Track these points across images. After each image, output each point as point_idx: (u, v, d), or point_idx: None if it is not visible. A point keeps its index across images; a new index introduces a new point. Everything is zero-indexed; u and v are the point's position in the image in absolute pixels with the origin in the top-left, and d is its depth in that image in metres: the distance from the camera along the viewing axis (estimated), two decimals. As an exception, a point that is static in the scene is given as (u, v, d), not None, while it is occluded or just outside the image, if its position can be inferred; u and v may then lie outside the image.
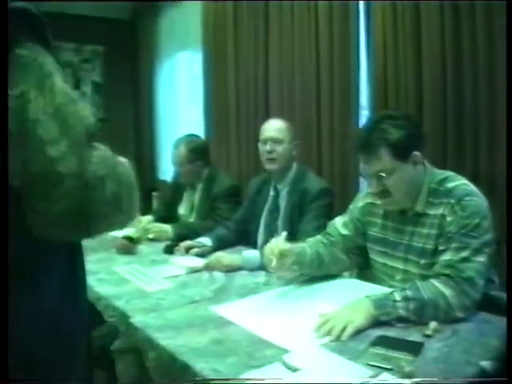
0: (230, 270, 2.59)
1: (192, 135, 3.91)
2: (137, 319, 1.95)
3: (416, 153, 2.05)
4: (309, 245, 2.32)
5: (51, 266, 1.09)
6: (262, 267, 2.42)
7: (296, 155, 3.09)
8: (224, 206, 3.50)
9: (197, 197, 3.73)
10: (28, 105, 0.97)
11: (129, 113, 6.89)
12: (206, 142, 4.20)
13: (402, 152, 2.02)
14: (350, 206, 2.43)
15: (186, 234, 3.26)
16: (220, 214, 3.45)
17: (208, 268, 2.62)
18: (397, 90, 3.20)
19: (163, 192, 5.53)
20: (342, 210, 2.54)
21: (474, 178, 2.73)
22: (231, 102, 4.79)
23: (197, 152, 3.64)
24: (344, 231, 2.36)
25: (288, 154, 3.02)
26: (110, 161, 1.09)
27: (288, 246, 2.13)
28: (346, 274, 2.50)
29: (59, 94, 1.02)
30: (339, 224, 2.39)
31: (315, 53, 3.79)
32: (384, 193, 2.10)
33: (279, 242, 2.13)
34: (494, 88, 2.70)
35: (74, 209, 0.99)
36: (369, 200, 2.32)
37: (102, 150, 1.08)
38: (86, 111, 1.07)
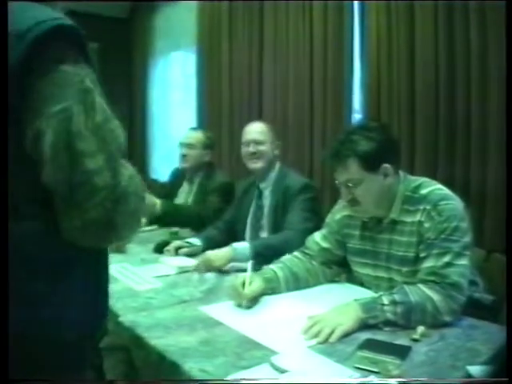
0: (222, 267, 2.61)
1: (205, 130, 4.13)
2: (126, 318, 1.95)
3: (386, 165, 2.05)
4: (280, 266, 2.30)
5: (77, 262, 1.19)
6: (252, 257, 2.46)
7: (278, 155, 3.17)
8: (216, 199, 3.56)
9: (192, 193, 3.81)
10: (71, 118, 1.08)
11: (122, 111, 6.85)
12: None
13: (370, 164, 2.04)
14: (327, 220, 2.43)
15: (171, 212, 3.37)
16: (210, 207, 3.51)
17: (199, 269, 2.61)
18: (389, 94, 3.22)
19: (156, 190, 5.52)
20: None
21: (464, 185, 2.77)
22: (225, 103, 4.79)
23: (210, 140, 3.87)
24: (324, 244, 2.36)
25: (270, 154, 3.10)
26: (136, 178, 1.22)
27: (256, 281, 2.13)
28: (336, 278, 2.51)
29: (99, 110, 1.14)
30: (318, 238, 2.39)
31: (309, 55, 3.81)
32: (353, 201, 2.11)
33: (245, 280, 2.11)
34: (487, 94, 2.72)
35: (104, 218, 1.10)
36: (345, 212, 2.31)
37: (130, 168, 1.22)
38: (119, 129, 1.20)
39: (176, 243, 3.00)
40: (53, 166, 1.07)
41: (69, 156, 1.08)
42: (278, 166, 3.15)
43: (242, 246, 2.68)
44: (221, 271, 2.58)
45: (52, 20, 1.12)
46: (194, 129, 4.11)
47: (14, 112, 1.08)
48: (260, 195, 3.16)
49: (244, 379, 1.45)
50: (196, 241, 3.04)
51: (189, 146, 3.76)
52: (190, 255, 2.90)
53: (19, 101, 1.08)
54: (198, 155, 3.77)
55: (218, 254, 2.66)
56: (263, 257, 2.48)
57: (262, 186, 3.14)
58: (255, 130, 3.16)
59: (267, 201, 3.10)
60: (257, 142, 3.09)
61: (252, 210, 3.18)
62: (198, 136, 3.83)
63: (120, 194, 1.13)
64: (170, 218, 3.34)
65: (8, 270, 1.07)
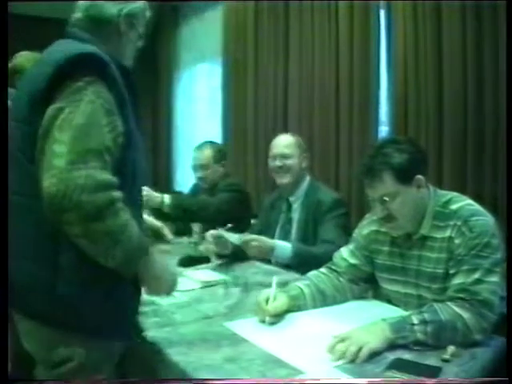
0: (262, 256, 2.71)
1: (210, 141, 4.01)
2: (149, 333, 1.92)
3: (419, 176, 2.03)
4: (307, 283, 2.26)
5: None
6: (291, 258, 2.59)
7: (307, 167, 3.15)
8: (225, 194, 3.58)
9: None
10: (59, 114, 1.39)
11: (147, 124, 6.89)
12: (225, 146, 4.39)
13: (405, 176, 2.01)
14: (354, 235, 2.39)
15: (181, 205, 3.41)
16: (220, 200, 3.52)
17: (251, 246, 2.71)
18: (417, 106, 3.17)
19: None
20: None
21: (494, 200, 2.71)
22: (250, 115, 4.78)
23: (221, 152, 3.83)
24: (352, 260, 2.31)
25: (298, 167, 3.08)
26: (99, 188, 1.36)
27: (280, 298, 2.10)
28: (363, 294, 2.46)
29: (86, 115, 1.40)
30: (346, 254, 2.34)
31: (335, 67, 3.79)
32: (388, 217, 2.07)
33: (271, 296, 2.08)
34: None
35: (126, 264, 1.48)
36: (373, 227, 2.27)
37: (99, 177, 1.36)
38: (101, 138, 1.43)
39: (217, 232, 2.95)
40: (36, 152, 1.40)
41: (45, 142, 1.38)
42: (307, 178, 3.13)
43: (284, 245, 2.73)
44: (247, 286, 2.55)
45: (76, 50, 1.46)
46: (200, 147, 3.90)
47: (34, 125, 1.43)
48: (289, 208, 3.13)
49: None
50: (231, 235, 2.95)
51: (202, 167, 3.75)
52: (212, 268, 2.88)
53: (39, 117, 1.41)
54: (214, 172, 3.75)
55: (263, 239, 2.72)
56: (301, 261, 2.45)
57: (291, 199, 3.12)
58: (283, 144, 3.13)
59: (296, 214, 3.07)
60: (284, 156, 3.07)
61: (280, 222, 3.15)
62: (207, 154, 3.76)
63: (142, 248, 1.51)
64: (179, 211, 3.34)
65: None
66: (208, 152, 3.76)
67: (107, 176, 1.38)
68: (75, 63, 1.42)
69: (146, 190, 3.41)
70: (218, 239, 2.91)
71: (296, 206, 3.09)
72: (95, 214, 1.34)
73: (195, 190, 4.10)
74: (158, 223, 3.22)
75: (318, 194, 3.02)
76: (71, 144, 1.35)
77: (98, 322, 1.53)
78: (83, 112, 1.38)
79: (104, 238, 1.38)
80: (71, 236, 1.38)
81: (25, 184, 1.48)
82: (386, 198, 2.02)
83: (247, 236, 2.76)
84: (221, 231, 2.87)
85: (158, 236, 3.11)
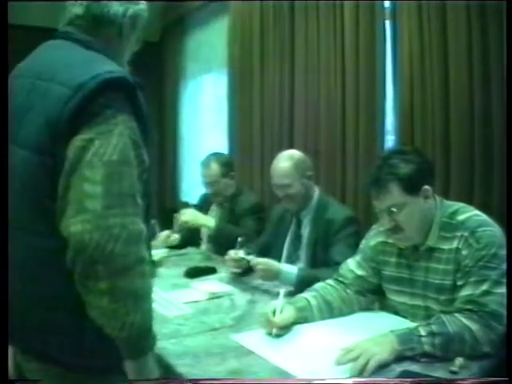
0: (268, 279, 2.69)
1: (217, 152, 4.05)
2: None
3: (426, 187, 2.03)
4: (314, 294, 2.25)
5: None
6: (296, 284, 2.54)
7: (312, 183, 3.06)
8: (251, 222, 3.57)
9: (223, 216, 3.79)
10: (89, 148, 1.24)
11: (153, 134, 6.91)
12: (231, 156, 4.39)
13: (412, 186, 2.01)
14: (361, 246, 2.38)
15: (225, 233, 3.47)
16: (249, 230, 3.47)
17: (254, 269, 2.70)
18: (423, 116, 3.15)
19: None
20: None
21: (501, 210, 2.69)
22: (256, 126, 4.77)
23: (228, 165, 3.81)
24: (359, 272, 2.30)
25: (302, 191, 2.98)
26: (130, 228, 1.25)
27: (287, 309, 2.09)
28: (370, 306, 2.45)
29: (119, 152, 1.27)
30: (353, 265, 2.33)
31: (341, 77, 3.77)
32: (395, 228, 2.07)
33: (276, 308, 2.08)
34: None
35: (138, 338, 1.31)
36: (380, 239, 2.27)
37: (128, 220, 1.25)
38: (130, 180, 1.29)
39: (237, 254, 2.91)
40: (60, 188, 1.25)
41: (72, 179, 1.23)
42: (316, 193, 3.05)
43: (290, 270, 2.66)
44: (253, 299, 2.54)
45: (103, 72, 1.30)
46: (206, 163, 3.85)
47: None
48: (299, 224, 3.06)
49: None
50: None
51: (211, 184, 3.75)
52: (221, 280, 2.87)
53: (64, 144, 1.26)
54: (225, 186, 3.75)
55: (269, 263, 2.68)
56: (305, 287, 2.39)
57: (300, 214, 3.05)
58: (281, 174, 2.98)
59: (306, 231, 3.00)
60: (284, 186, 2.96)
61: (290, 238, 3.09)
62: (214, 170, 3.74)
63: (106, 230, 1.20)
64: (223, 238, 3.40)
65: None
66: (214, 167, 3.74)
67: (140, 226, 1.26)
68: (103, 89, 1.28)
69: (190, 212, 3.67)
70: (239, 262, 2.88)
71: (306, 222, 3.01)
72: (124, 271, 1.21)
73: (204, 199, 4.10)
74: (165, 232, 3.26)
75: (329, 211, 2.94)
76: (105, 185, 1.21)
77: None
78: (115, 146, 1.25)
79: (128, 299, 1.23)
80: (93, 291, 1.21)
81: (39, 222, 1.33)
82: (394, 209, 2.02)
83: (254, 259, 2.72)
84: (241, 254, 2.83)
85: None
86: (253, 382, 1.42)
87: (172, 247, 3.74)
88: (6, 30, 1.22)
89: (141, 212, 1.28)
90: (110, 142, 1.24)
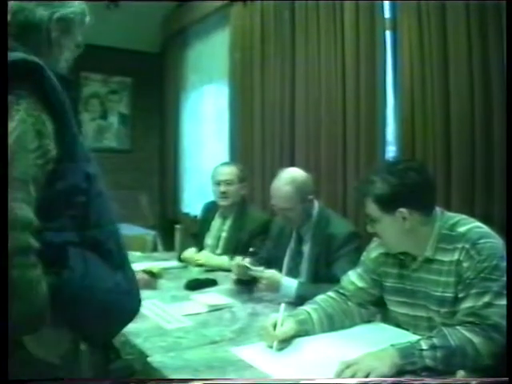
0: (269, 291, 2.68)
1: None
2: (154, 358, 1.90)
3: (402, 210, 2.00)
4: (315, 307, 2.23)
5: None
6: (295, 298, 2.54)
7: (311, 201, 2.95)
8: (260, 242, 3.49)
9: (226, 228, 3.80)
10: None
11: (154, 144, 6.92)
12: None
13: (385, 206, 2.03)
14: (362, 258, 2.37)
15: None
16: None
17: (262, 281, 2.71)
18: (424, 126, 3.15)
19: (188, 224, 5.54)
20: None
21: (503, 222, 2.67)
22: (257, 137, 4.77)
23: (244, 173, 3.87)
24: (360, 284, 2.29)
25: (301, 214, 2.92)
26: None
27: (288, 322, 2.08)
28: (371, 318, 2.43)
29: (14, 138, 1.19)
30: (354, 277, 2.32)
31: (341, 88, 3.78)
32: (376, 234, 2.15)
33: (278, 321, 2.06)
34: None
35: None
36: (381, 250, 2.25)
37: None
38: (25, 162, 1.21)
39: (242, 261, 2.91)
40: None
41: None
42: (316, 208, 2.98)
43: (290, 285, 2.66)
44: (253, 312, 2.53)
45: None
46: (226, 164, 4.07)
47: None
48: (299, 240, 3.00)
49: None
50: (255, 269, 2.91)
51: (227, 182, 3.74)
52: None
53: None
54: (237, 190, 3.76)
55: (271, 277, 2.69)
56: (305, 301, 2.37)
57: (300, 230, 2.99)
58: (281, 197, 2.91)
59: (307, 247, 2.94)
60: (284, 209, 2.91)
61: (290, 253, 3.03)
62: (232, 171, 3.81)
63: None
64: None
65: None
66: (233, 169, 3.82)
67: (29, 214, 1.17)
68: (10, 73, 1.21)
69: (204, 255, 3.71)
70: (241, 269, 2.87)
71: (307, 238, 2.96)
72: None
73: (207, 210, 4.07)
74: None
75: (330, 225, 2.88)
76: None
77: None
78: (12, 131, 1.19)
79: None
80: None
81: None
82: (371, 219, 2.10)
83: (260, 271, 2.72)
84: (246, 263, 2.83)
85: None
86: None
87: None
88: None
89: (33, 202, 1.19)
90: (10, 126, 1.18)
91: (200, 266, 3.60)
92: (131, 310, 1.46)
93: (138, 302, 1.48)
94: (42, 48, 1.42)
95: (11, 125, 1.18)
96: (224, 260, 3.56)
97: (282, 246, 3.10)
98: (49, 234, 1.25)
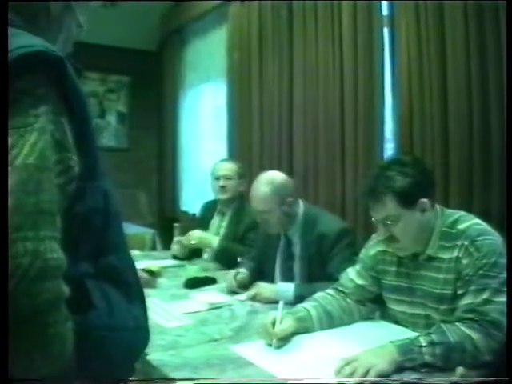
0: (269, 301, 2.61)
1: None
2: (153, 357, 1.90)
3: (423, 200, 1.99)
4: (314, 304, 2.23)
5: None
6: (294, 300, 2.49)
7: (291, 203, 2.86)
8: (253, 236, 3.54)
9: (224, 224, 3.86)
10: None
11: (152, 143, 6.92)
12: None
13: (407, 200, 1.98)
14: (361, 255, 2.37)
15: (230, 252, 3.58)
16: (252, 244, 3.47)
17: (250, 298, 2.69)
18: (422, 124, 3.15)
19: (187, 222, 5.53)
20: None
21: (501, 218, 2.68)
22: (255, 135, 4.77)
23: (243, 170, 3.96)
24: (359, 281, 2.29)
25: (280, 218, 2.84)
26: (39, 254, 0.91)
27: (287, 320, 2.08)
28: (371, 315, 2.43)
29: (36, 153, 0.90)
30: (353, 275, 2.32)
31: (339, 85, 3.78)
32: (391, 239, 2.06)
33: (277, 319, 2.06)
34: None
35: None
36: (380, 248, 2.24)
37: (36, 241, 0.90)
38: (49, 186, 0.92)
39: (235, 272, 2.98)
40: None
41: None
42: (301, 208, 2.90)
43: (286, 289, 2.64)
44: (253, 310, 2.53)
45: (18, 49, 0.92)
46: (226, 160, 4.21)
47: None
48: (289, 243, 2.92)
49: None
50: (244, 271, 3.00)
51: (226, 177, 3.82)
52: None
53: None
54: (236, 185, 3.82)
55: (264, 290, 2.69)
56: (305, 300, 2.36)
57: (288, 233, 2.91)
58: (259, 199, 2.87)
59: (297, 248, 2.86)
60: (262, 212, 2.86)
61: (281, 256, 2.96)
62: (232, 167, 3.90)
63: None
64: (226, 256, 3.56)
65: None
66: (232, 165, 3.93)
67: (60, 255, 0.89)
68: (20, 68, 0.91)
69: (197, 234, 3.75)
70: (234, 288, 2.89)
71: (295, 240, 2.88)
72: (31, 316, 0.85)
73: (206, 208, 4.14)
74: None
75: (318, 224, 2.81)
76: (17, 197, 0.86)
77: None
78: (32, 146, 0.89)
79: (34, 353, 0.87)
80: None
81: None
82: (388, 222, 2.01)
83: (251, 291, 2.74)
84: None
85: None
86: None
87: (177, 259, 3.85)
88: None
89: (59, 236, 0.91)
90: (26, 140, 0.89)
91: (192, 245, 3.78)
92: (145, 344, 1.20)
93: (148, 333, 1.21)
94: (39, 20, 1.16)
95: (30, 138, 0.90)
96: (215, 240, 3.70)
97: (270, 253, 3.03)
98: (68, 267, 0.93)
